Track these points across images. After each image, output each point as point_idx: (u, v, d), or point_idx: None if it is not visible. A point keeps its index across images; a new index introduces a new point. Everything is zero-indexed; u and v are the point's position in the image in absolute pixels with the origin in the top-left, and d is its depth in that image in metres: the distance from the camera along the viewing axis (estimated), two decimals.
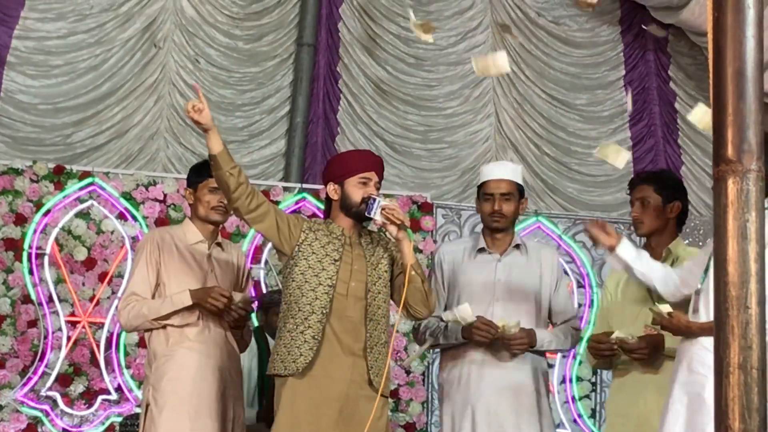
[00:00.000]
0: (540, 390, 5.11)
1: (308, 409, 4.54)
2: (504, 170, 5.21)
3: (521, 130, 10.46)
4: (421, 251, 8.27)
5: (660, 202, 4.97)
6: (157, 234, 5.14)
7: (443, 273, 5.23)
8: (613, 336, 4.80)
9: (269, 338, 6.67)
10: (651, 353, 4.77)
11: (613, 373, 5.11)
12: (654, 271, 4.70)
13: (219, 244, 5.14)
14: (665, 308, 4.49)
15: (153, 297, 4.97)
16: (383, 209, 4.59)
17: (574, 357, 8.44)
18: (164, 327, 4.92)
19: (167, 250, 5.00)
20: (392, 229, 4.60)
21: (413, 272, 4.61)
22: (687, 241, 8.65)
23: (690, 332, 4.36)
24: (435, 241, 8.46)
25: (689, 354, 4.35)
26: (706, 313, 4.31)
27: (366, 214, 4.64)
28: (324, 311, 4.59)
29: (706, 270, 4.33)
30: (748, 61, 2.43)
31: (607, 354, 4.87)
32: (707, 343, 4.22)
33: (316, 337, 4.57)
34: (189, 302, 4.85)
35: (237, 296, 4.98)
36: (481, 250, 5.19)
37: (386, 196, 8.40)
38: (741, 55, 2.43)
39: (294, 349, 4.58)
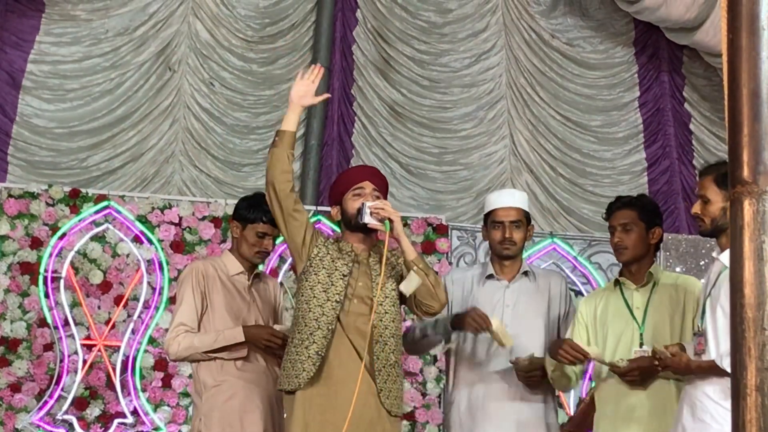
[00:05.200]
0: (550, 423, 5.11)
1: (319, 421, 4.53)
2: (512, 198, 5.25)
3: (536, 151, 10.45)
4: (436, 273, 8.24)
5: (643, 228, 4.92)
6: (200, 265, 5.19)
7: (451, 300, 5.21)
8: (592, 354, 4.76)
9: None
10: (643, 375, 4.73)
11: (596, 391, 5.06)
12: None
13: (257, 275, 5.25)
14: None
15: (198, 326, 5.05)
16: (371, 209, 4.60)
17: (591, 379, 8.39)
18: (214, 359, 5.00)
19: (211, 281, 5.09)
20: (393, 228, 4.59)
21: (415, 267, 4.63)
22: (702, 263, 8.62)
23: (690, 371, 4.33)
24: (450, 263, 8.44)
25: (692, 400, 4.31)
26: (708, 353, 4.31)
27: (360, 221, 4.64)
28: (330, 327, 4.57)
29: (704, 312, 4.33)
30: (764, 82, 2.42)
31: (567, 361, 4.76)
32: (710, 391, 4.22)
33: (319, 352, 4.56)
34: (242, 338, 4.95)
35: (277, 327, 5.09)
36: (490, 276, 5.19)
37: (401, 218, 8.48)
38: (756, 76, 2.42)
39: (298, 365, 4.58)
